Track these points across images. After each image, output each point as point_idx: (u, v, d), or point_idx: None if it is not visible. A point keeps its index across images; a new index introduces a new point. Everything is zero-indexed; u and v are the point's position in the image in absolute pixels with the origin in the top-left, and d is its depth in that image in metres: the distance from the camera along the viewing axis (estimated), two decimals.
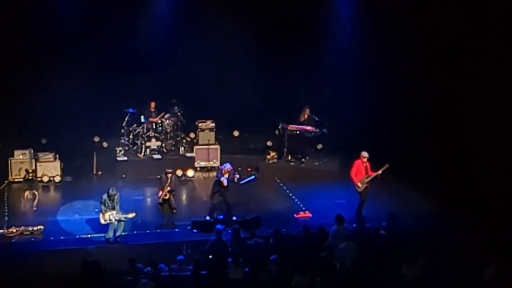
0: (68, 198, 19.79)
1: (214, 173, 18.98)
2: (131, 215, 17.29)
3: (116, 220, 17.17)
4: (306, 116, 22.22)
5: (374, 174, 18.21)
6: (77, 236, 17.25)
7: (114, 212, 17.19)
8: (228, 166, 18.38)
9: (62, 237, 17.21)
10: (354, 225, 16.67)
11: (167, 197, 18.04)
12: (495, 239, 15.04)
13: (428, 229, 16.59)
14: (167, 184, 18.05)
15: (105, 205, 17.23)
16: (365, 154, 18.33)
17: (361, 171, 18.30)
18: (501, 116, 18.60)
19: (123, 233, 17.32)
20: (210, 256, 15.06)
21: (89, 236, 17.28)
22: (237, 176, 18.32)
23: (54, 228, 17.68)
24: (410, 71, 21.44)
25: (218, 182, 18.21)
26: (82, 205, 19.18)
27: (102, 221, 17.25)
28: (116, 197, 17.29)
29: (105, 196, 17.27)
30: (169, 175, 18.18)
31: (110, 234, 17.16)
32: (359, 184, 18.27)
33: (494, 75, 18.87)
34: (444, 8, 20.12)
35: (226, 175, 18.13)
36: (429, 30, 20.77)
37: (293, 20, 23.72)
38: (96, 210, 18.73)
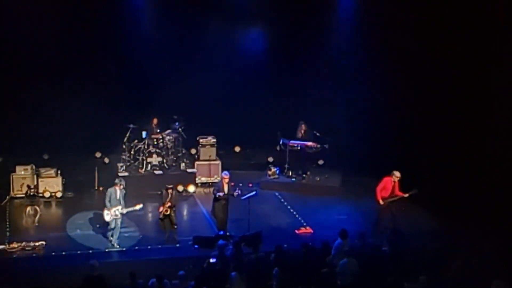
0: (70, 214, 19.81)
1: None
2: (138, 207, 17.50)
3: (122, 214, 17.39)
4: (303, 131, 22.29)
5: (400, 196, 18.01)
6: (79, 252, 17.23)
7: (119, 207, 17.37)
8: (227, 174, 18.48)
9: (63, 253, 17.18)
10: (356, 241, 16.59)
11: (168, 212, 18.04)
12: (498, 255, 15.02)
13: (431, 246, 16.58)
14: (167, 200, 18.07)
15: (110, 201, 17.35)
16: (398, 174, 18.04)
17: (388, 189, 18.08)
18: (508, 135, 18.69)
19: (123, 249, 17.40)
20: (213, 260, 15.03)
21: (91, 251, 17.26)
22: (238, 191, 18.33)
23: (56, 243, 17.65)
24: (412, 87, 21.51)
25: (215, 199, 18.28)
26: (84, 220, 19.25)
27: (107, 218, 17.39)
28: (122, 190, 17.48)
29: (111, 190, 17.45)
30: (170, 191, 18.20)
31: (115, 239, 17.44)
32: (381, 202, 18.09)
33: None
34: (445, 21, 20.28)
35: (225, 186, 18.17)
36: (431, 49, 20.92)
37: (294, 36, 23.84)
38: (98, 225, 18.84)
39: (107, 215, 17.43)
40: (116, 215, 17.38)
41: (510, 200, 18.16)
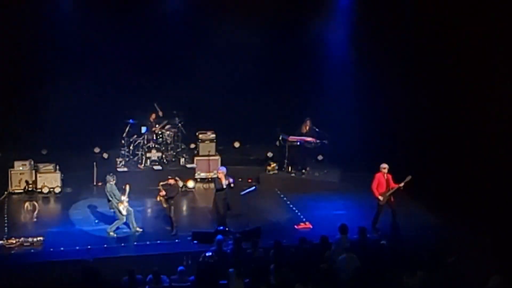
0: (68, 209, 19.77)
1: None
2: (127, 187, 17.91)
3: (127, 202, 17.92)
4: (307, 128, 22.24)
5: (396, 187, 17.97)
6: (77, 248, 17.18)
7: (122, 197, 17.80)
8: (223, 169, 18.46)
9: (62, 248, 17.14)
10: (355, 236, 16.56)
11: (165, 205, 18.03)
12: (497, 250, 15.02)
13: (430, 240, 16.57)
14: (162, 189, 18.08)
15: (116, 195, 17.73)
16: (384, 165, 18.07)
17: (382, 184, 18.05)
18: (506, 130, 18.67)
19: (122, 245, 17.43)
20: (208, 254, 15.00)
21: (89, 247, 17.22)
22: (231, 180, 18.23)
23: (54, 239, 17.61)
24: (411, 83, 21.49)
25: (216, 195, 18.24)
26: (83, 216, 19.25)
27: (124, 212, 17.85)
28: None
29: (112, 186, 17.81)
30: (171, 181, 18.17)
31: (135, 224, 18.05)
32: (380, 198, 18.08)
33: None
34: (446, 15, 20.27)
35: (224, 180, 18.12)
36: (430, 41, 20.90)
37: (294, 32, 23.78)
38: (97, 221, 18.82)
39: (124, 209, 17.82)
40: (126, 205, 17.85)
41: (508, 195, 18.14)
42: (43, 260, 16.59)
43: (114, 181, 17.99)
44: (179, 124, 22.76)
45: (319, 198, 20.78)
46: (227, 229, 17.84)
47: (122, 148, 22.17)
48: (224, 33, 23.32)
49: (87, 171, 21.78)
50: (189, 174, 22.01)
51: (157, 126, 22.32)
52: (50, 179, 20.94)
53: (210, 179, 21.80)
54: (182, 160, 22.52)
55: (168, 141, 22.46)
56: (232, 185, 18.20)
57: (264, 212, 19.70)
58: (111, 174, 18.27)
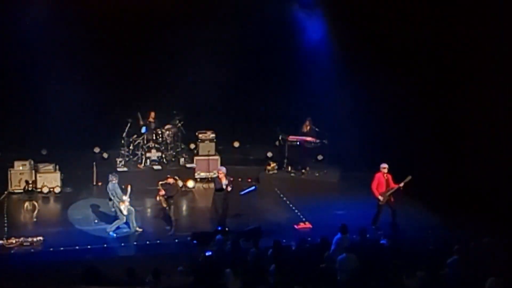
0: (68, 209, 19.76)
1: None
2: (129, 188, 17.89)
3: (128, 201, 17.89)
4: (307, 127, 22.25)
5: (395, 187, 17.99)
6: (77, 247, 17.18)
7: (124, 196, 17.77)
8: (223, 169, 18.43)
9: (61, 248, 17.13)
10: (354, 236, 16.55)
11: (165, 205, 18.03)
12: (496, 251, 14.99)
13: (430, 241, 16.56)
14: (162, 189, 18.06)
15: (118, 194, 17.72)
16: (384, 165, 18.12)
17: (382, 183, 18.10)
18: (506, 130, 18.66)
19: (122, 244, 17.40)
20: (208, 253, 14.99)
21: (89, 247, 17.21)
22: (229, 188, 18.19)
23: (54, 239, 17.59)
24: (411, 82, 21.48)
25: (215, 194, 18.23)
26: (82, 215, 19.25)
27: (125, 211, 17.83)
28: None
29: (115, 185, 17.78)
30: (170, 180, 18.17)
31: (136, 223, 18.02)
32: (380, 198, 18.10)
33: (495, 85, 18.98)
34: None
35: (224, 180, 18.09)
36: (430, 40, 20.91)
37: (292, 32, 23.78)
38: (96, 221, 18.82)
39: (125, 209, 17.81)
40: (127, 205, 17.85)
41: (508, 195, 18.13)
42: (43, 260, 16.58)
43: (117, 180, 17.98)
44: (179, 124, 22.75)
45: (319, 198, 20.76)
46: (226, 229, 17.84)
47: (122, 148, 22.16)
48: (224, 33, 23.31)
49: (87, 171, 21.79)
50: (189, 174, 22.01)
51: (155, 126, 22.35)
52: (50, 179, 20.95)
53: (210, 179, 21.80)
54: (182, 160, 22.52)
55: (168, 141, 22.45)
56: (229, 188, 18.15)
57: (264, 212, 19.70)
58: (113, 173, 18.29)
